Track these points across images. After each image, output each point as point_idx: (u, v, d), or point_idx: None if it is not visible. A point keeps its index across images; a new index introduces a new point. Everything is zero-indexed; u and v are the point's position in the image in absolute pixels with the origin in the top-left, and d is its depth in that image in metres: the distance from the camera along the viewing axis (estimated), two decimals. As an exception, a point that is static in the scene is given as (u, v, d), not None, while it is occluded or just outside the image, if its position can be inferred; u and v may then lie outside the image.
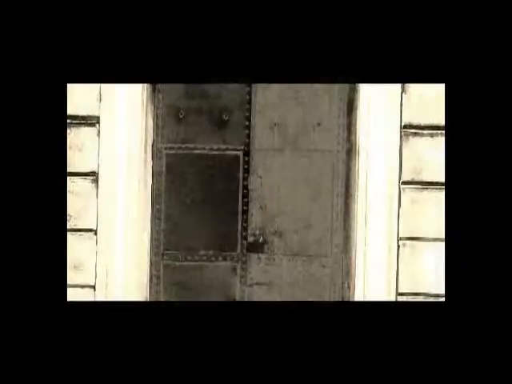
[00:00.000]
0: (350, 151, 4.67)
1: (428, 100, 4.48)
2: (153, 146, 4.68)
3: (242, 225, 4.70)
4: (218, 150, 4.69)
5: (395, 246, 4.51)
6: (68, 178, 4.26)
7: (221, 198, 4.69)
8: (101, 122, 4.46)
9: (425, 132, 4.51)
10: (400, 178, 4.52)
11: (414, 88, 4.47)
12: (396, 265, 4.52)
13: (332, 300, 4.66)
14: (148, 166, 4.65)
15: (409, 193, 4.52)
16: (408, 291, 4.52)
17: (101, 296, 4.45)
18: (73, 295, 4.28)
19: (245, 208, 4.69)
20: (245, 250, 4.71)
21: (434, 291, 4.48)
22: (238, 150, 4.69)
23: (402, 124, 4.51)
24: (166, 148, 4.69)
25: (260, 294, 4.69)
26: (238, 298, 4.68)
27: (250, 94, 4.69)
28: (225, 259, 4.70)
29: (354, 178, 4.60)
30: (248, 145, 4.69)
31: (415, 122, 4.51)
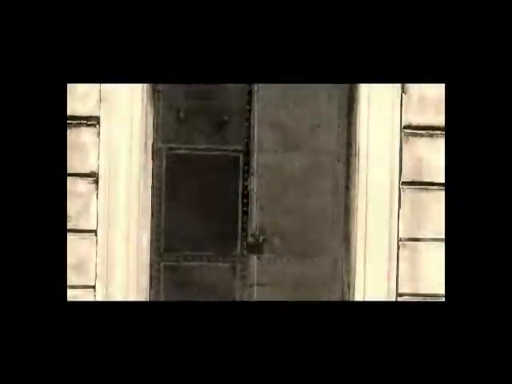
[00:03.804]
0: (350, 151, 4.68)
1: (428, 100, 4.48)
2: (153, 146, 4.68)
3: (241, 225, 4.70)
4: (218, 150, 4.69)
5: (395, 246, 4.51)
6: (68, 178, 4.25)
7: (221, 199, 4.68)
8: (101, 122, 4.46)
9: (425, 132, 4.51)
10: (400, 179, 4.52)
11: (414, 88, 4.48)
12: (396, 265, 4.52)
13: (332, 300, 4.66)
14: (148, 167, 4.65)
15: (409, 193, 4.52)
16: (408, 292, 4.52)
17: (101, 296, 4.44)
18: (73, 295, 4.28)
19: (245, 208, 4.69)
20: (245, 251, 4.71)
21: (433, 292, 4.48)
22: (238, 151, 4.70)
23: (402, 124, 4.51)
24: (166, 148, 4.69)
25: (260, 295, 4.69)
26: (238, 299, 4.68)
27: (250, 94, 4.69)
28: (225, 260, 4.70)
29: (354, 178, 4.60)
30: (248, 145, 4.69)
31: (415, 122, 4.52)
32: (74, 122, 4.42)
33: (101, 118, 4.46)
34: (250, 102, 4.69)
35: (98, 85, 4.40)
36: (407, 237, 4.52)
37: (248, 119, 4.70)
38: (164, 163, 4.69)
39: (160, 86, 4.67)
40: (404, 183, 4.52)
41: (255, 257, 4.70)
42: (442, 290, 4.33)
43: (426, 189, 4.51)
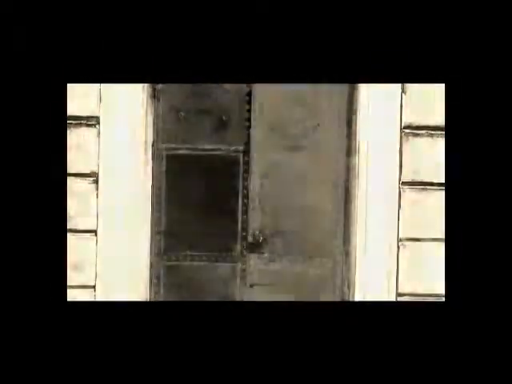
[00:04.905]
0: (350, 151, 4.67)
1: (428, 100, 4.48)
2: (153, 146, 4.68)
3: (241, 225, 4.70)
4: (218, 150, 4.69)
5: (395, 246, 4.51)
6: (68, 178, 4.25)
7: (221, 199, 4.68)
8: (101, 122, 4.46)
9: (424, 132, 4.51)
10: (400, 179, 4.52)
11: (414, 88, 4.47)
12: (396, 265, 4.52)
13: (332, 300, 4.66)
14: (148, 167, 4.65)
15: (409, 193, 4.52)
16: (408, 292, 4.52)
17: (101, 296, 4.44)
18: (73, 295, 4.28)
19: (245, 208, 4.69)
20: (245, 251, 4.71)
21: (433, 292, 4.48)
22: (237, 151, 4.69)
23: (402, 124, 4.51)
24: (166, 149, 4.69)
25: (260, 295, 4.69)
26: (237, 299, 4.68)
27: (249, 94, 4.69)
28: (225, 259, 4.70)
29: (354, 178, 4.60)
30: (248, 145, 4.69)
31: (415, 122, 4.52)
32: (74, 122, 4.42)
33: (101, 118, 4.46)
34: (249, 102, 4.69)
35: (98, 85, 4.40)
36: (407, 237, 4.52)
37: (248, 119, 4.70)
38: (164, 163, 4.69)
39: (160, 86, 4.68)
40: (404, 183, 4.52)
41: (255, 256, 4.70)
42: (442, 290, 4.33)
43: (426, 189, 4.51)
